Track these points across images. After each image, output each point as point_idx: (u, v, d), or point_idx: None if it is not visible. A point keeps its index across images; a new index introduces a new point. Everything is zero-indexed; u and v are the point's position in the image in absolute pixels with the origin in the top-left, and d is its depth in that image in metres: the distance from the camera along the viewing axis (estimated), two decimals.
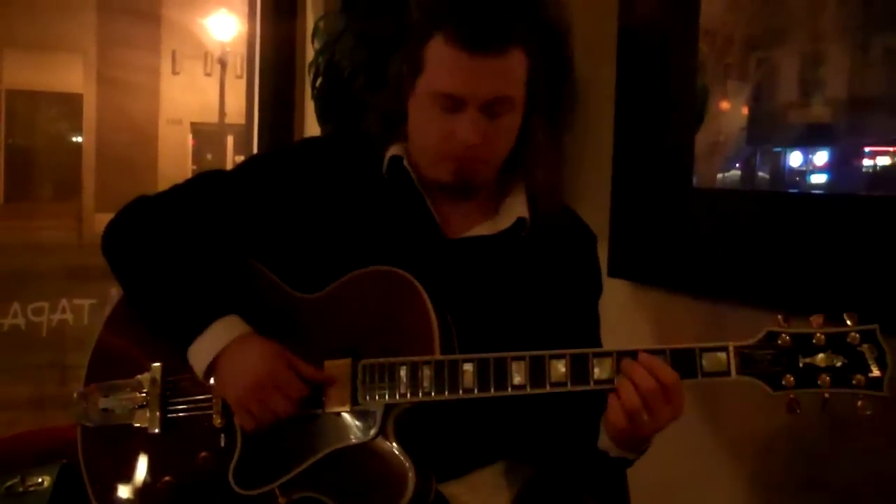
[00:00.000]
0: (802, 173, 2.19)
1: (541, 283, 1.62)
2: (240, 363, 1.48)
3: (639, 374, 1.35)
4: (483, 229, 1.61)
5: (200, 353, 1.50)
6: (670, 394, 1.35)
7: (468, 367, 1.41)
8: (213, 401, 1.55)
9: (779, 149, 2.30)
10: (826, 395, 1.31)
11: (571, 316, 1.64)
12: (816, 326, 1.33)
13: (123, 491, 1.61)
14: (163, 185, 1.70)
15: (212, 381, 1.54)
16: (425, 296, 1.46)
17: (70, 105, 12.93)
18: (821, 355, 1.31)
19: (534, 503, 1.64)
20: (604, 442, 1.50)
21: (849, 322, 1.32)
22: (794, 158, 2.23)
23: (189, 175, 1.73)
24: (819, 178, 2.16)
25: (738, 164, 2.40)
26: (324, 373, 1.49)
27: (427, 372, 1.42)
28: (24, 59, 11.62)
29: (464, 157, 1.52)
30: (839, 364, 1.30)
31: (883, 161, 2.01)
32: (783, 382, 1.31)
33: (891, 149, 1.99)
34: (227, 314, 1.51)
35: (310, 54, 3.22)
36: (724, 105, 2.38)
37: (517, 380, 1.39)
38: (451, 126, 1.50)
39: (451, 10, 1.49)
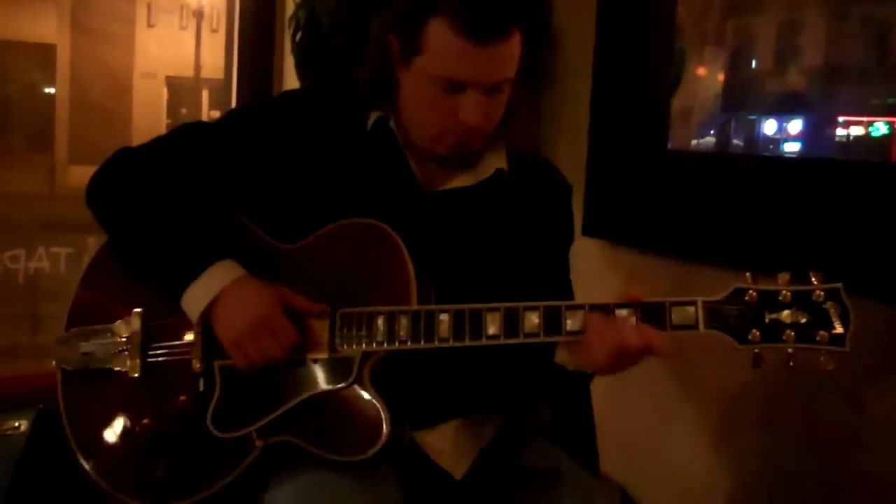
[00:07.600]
0: (776, 141, 2.22)
1: (517, 232, 1.65)
2: (240, 304, 1.50)
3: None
4: (462, 181, 1.64)
5: (196, 296, 1.52)
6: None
7: (444, 317, 1.44)
8: (193, 346, 1.57)
9: (753, 116, 2.33)
10: (790, 350, 1.34)
11: (544, 264, 1.68)
12: (783, 284, 1.36)
13: (103, 433, 1.62)
14: (137, 138, 1.71)
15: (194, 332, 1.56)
16: (403, 247, 1.49)
17: (43, 55, 12.74)
18: (786, 312, 1.34)
19: (504, 452, 1.68)
20: (561, 356, 1.52)
21: (814, 280, 1.35)
22: (769, 126, 2.26)
23: (163, 129, 1.73)
24: (792, 147, 2.19)
25: (712, 131, 2.43)
26: (318, 307, 1.51)
27: (404, 321, 1.45)
28: None
29: (464, 133, 1.54)
30: (804, 320, 1.34)
31: (856, 131, 2.04)
32: (749, 337, 1.35)
33: (864, 119, 2.02)
34: (223, 258, 1.53)
35: (290, 8, 3.21)
36: (701, 71, 2.41)
37: (492, 330, 1.42)
38: (452, 106, 1.51)
39: None
